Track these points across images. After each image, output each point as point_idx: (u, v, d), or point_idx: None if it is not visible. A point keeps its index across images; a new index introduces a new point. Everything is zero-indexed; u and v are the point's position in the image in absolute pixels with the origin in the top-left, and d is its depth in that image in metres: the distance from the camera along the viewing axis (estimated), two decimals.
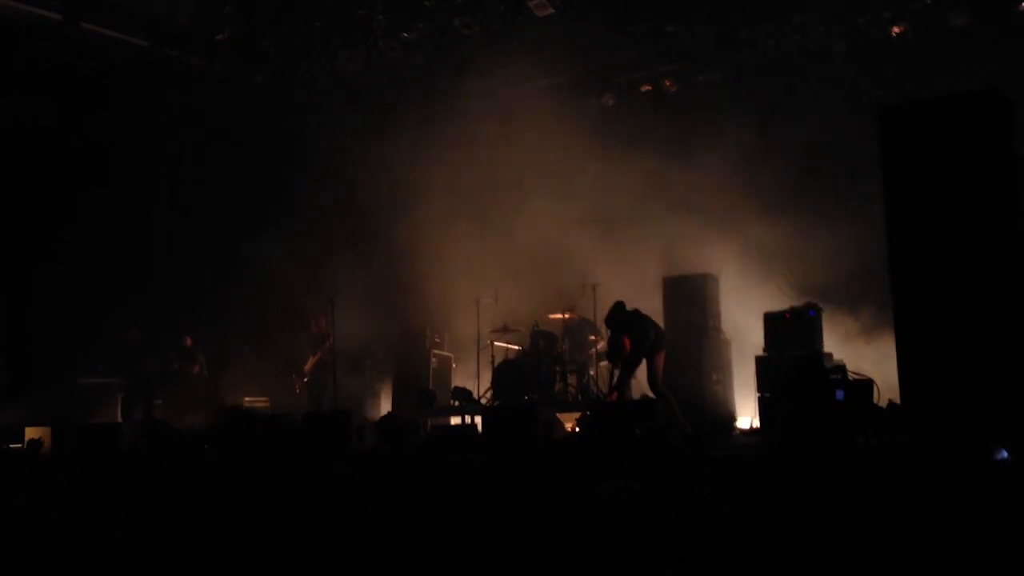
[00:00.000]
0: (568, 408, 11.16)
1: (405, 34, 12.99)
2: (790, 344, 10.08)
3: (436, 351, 13.43)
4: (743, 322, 11.50)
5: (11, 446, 10.52)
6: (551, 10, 11.95)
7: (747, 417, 11.02)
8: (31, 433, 10.26)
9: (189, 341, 13.43)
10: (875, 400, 7.25)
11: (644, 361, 9.99)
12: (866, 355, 10.66)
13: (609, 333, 10.19)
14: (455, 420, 12.30)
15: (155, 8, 13.71)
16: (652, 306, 11.49)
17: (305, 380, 13.45)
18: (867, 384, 7.46)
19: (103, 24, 13.30)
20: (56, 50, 13.28)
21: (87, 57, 13.58)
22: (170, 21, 13.89)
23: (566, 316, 12.47)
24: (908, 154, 7.20)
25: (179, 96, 14.50)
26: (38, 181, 13.79)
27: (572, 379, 12.08)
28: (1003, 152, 6.83)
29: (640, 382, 10.47)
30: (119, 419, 12.46)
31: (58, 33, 13.02)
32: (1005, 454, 4.91)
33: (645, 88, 14.16)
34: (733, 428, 10.79)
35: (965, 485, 4.51)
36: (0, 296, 13.57)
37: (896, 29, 12.14)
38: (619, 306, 10.08)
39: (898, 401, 7.15)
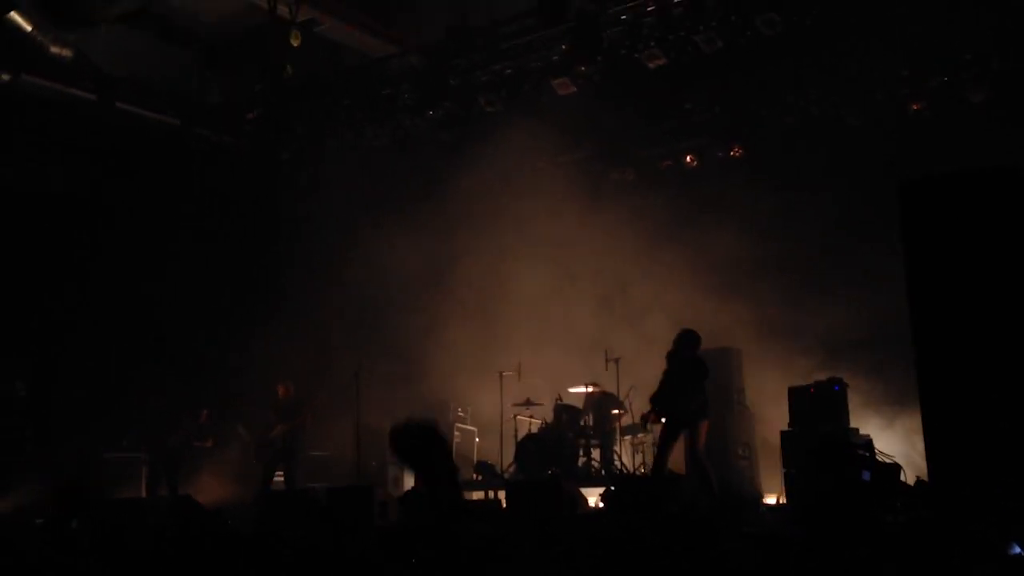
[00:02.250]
0: (592, 483, 11.11)
1: (431, 112, 13.24)
2: (815, 419, 10.02)
3: (460, 425, 13.43)
4: (767, 396, 11.47)
5: (36, 520, 10.52)
6: (573, 89, 12.17)
7: (773, 494, 10.91)
8: (56, 508, 10.24)
9: (204, 415, 13.44)
10: (902, 482, 7.19)
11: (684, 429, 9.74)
12: (894, 427, 10.61)
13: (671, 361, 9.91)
14: (478, 495, 12.23)
15: (187, 88, 14.13)
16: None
17: (273, 449, 12.26)
18: (894, 467, 7.42)
19: (136, 104, 13.69)
20: (90, 128, 13.65)
21: (120, 135, 13.94)
22: (202, 100, 14.31)
23: (589, 390, 12.47)
24: (929, 228, 7.26)
25: (207, 171, 14.82)
26: (66, 253, 14.05)
27: (596, 453, 12.03)
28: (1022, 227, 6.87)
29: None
30: (144, 494, 12.45)
31: (93, 112, 13.40)
32: (1018, 549, 4.83)
33: (665, 163, 14.33)
34: (760, 505, 10.67)
35: (991, 563, 4.47)
36: (24, 368, 13.70)
37: (915, 106, 12.27)
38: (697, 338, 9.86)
39: (925, 478, 7.09)
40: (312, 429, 12.43)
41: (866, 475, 6.60)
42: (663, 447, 9.70)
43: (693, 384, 9.58)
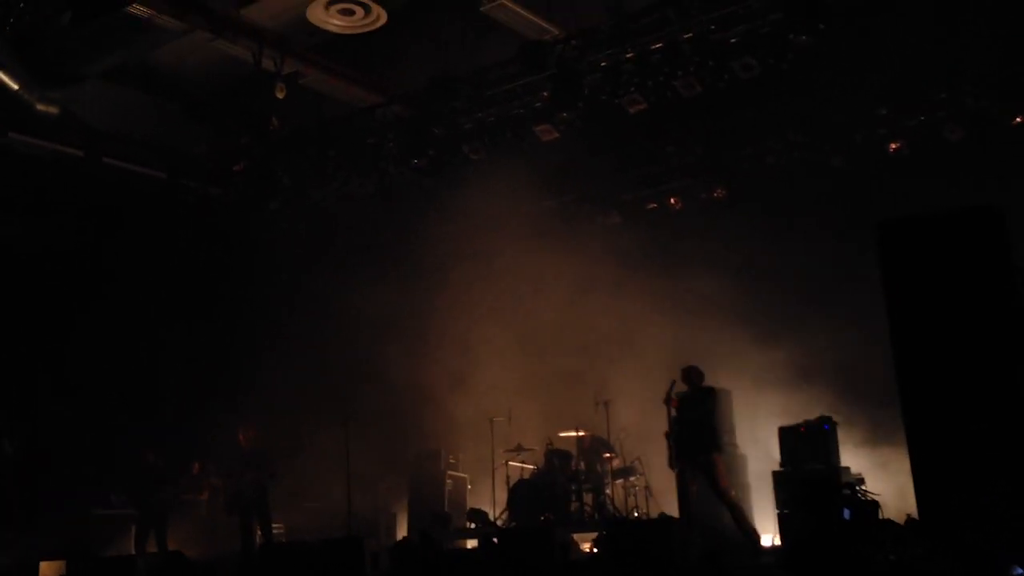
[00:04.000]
0: (584, 528, 11.07)
1: (415, 160, 13.34)
2: (806, 458, 10.06)
3: (451, 472, 13.39)
4: (757, 436, 11.49)
5: None
6: (556, 135, 12.30)
7: (768, 535, 10.87)
8: (46, 568, 10.16)
9: (197, 468, 13.34)
10: (880, 518, 7.22)
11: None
12: (886, 465, 10.62)
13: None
14: (472, 543, 12.17)
15: (174, 142, 14.22)
16: (666, 421, 11.51)
17: (243, 502, 11.75)
18: (872, 504, 7.48)
19: (123, 158, 13.76)
20: (77, 182, 13.71)
21: (108, 188, 14.00)
22: (188, 153, 14.39)
23: (580, 434, 12.46)
24: (908, 268, 7.35)
25: (195, 223, 14.87)
26: (53, 308, 14.04)
27: (588, 498, 11.99)
28: (1001, 266, 6.97)
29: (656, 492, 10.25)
30: (132, 551, 12.32)
31: (80, 167, 13.46)
32: (1020, 571, 4.87)
33: (650, 206, 14.45)
34: (756, 546, 10.63)
35: None
36: (11, 425, 13.62)
37: (893, 145, 12.45)
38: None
39: (915, 515, 7.10)
40: (273, 481, 11.91)
41: (847, 513, 6.64)
42: (685, 488, 9.72)
43: (708, 415, 9.65)
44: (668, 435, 10.07)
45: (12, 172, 13.02)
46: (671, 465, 10.06)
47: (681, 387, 10.09)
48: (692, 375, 10.10)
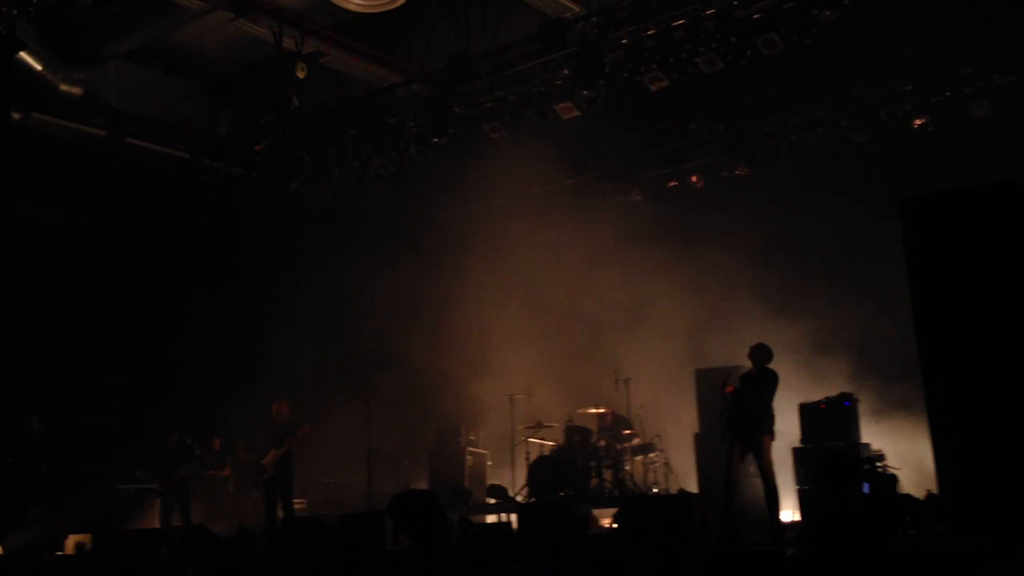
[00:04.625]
0: (604, 504, 11.12)
1: (436, 139, 13.33)
2: (826, 435, 10.05)
3: (471, 448, 13.45)
4: (779, 413, 11.45)
5: (57, 553, 10.59)
6: (577, 112, 12.26)
7: (788, 511, 10.86)
8: (72, 540, 10.33)
9: (217, 444, 13.48)
10: (898, 493, 7.22)
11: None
12: (905, 441, 10.58)
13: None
14: (491, 518, 12.25)
15: (196, 122, 14.30)
16: (686, 399, 11.54)
17: (266, 477, 11.84)
18: (891, 479, 7.47)
19: (146, 138, 13.86)
20: (101, 163, 13.84)
21: (131, 169, 14.12)
22: (210, 133, 14.48)
23: (599, 411, 12.49)
24: (932, 244, 7.31)
25: (218, 203, 14.97)
26: (80, 288, 14.22)
27: (608, 474, 12.03)
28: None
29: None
30: (158, 525, 12.50)
31: (103, 148, 13.58)
32: None
33: (671, 184, 14.40)
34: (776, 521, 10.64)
35: (999, 571, 4.48)
36: (39, 403, 13.82)
37: (918, 121, 12.33)
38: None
39: (936, 491, 7.09)
40: (300, 454, 11.99)
41: (866, 487, 6.65)
42: (733, 463, 9.65)
43: (767, 399, 9.58)
44: (722, 412, 9.94)
45: (36, 153, 13.14)
46: (723, 439, 9.95)
47: (736, 375, 9.94)
48: (759, 354, 9.86)
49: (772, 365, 9.74)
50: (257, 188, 14.61)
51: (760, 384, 9.65)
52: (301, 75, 12.06)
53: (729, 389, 9.69)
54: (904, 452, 9.85)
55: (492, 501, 12.30)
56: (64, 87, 12.18)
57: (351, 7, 11.15)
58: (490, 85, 12.67)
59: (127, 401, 13.85)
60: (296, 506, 12.66)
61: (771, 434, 9.60)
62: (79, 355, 14.13)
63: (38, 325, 13.53)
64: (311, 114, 13.44)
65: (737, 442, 9.59)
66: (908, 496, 7.57)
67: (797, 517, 10.16)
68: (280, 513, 11.82)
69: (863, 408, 10.53)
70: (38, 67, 11.80)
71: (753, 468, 9.80)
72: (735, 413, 9.56)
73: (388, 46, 13.25)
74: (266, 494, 11.92)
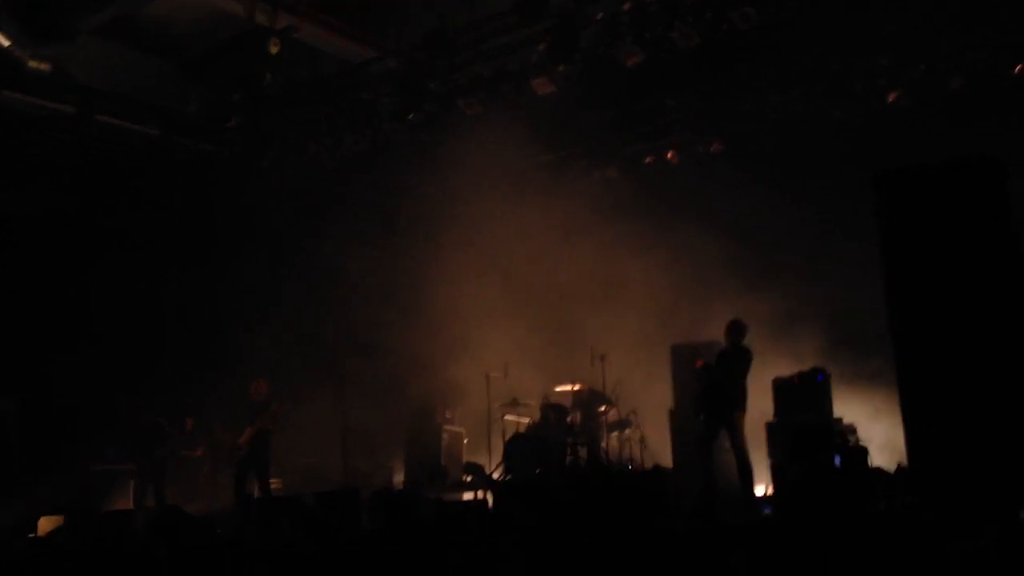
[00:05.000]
0: (580, 480, 11.12)
1: (410, 116, 13.22)
2: (799, 409, 10.09)
3: (447, 427, 13.44)
4: (752, 388, 11.49)
5: (29, 535, 10.49)
6: (552, 88, 12.17)
7: (761, 484, 10.93)
8: (45, 523, 10.23)
9: (190, 424, 13.40)
10: (869, 465, 7.29)
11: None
12: (879, 416, 10.65)
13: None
14: (468, 496, 12.25)
15: (166, 99, 14.11)
16: (661, 374, 11.56)
17: (240, 455, 11.71)
18: (861, 451, 7.53)
19: (115, 116, 13.67)
20: (70, 141, 13.64)
21: (100, 147, 13.93)
22: (181, 110, 14.29)
23: (576, 388, 12.49)
24: (905, 219, 7.32)
25: (189, 182, 14.81)
26: (52, 268, 14.04)
27: (583, 451, 12.04)
28: (1000, 216, 6.93)
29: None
30: (131, 506, 12.43)
31: (72, 125, 13.39)
32: None
33: (648, 160, 14.36)
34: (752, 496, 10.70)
35: (968, 546, 4.51)
36: (12, 383, 13.69)
37: (893, 95, 12.32)
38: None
39: (906, 464, 7.13)
40: (275, 433, 11.88)
41: (837, 460, 6.70)
42: (708, 441, 9.71)
43: (740, 376, 9.61)
44: (697, 389, 10.01)
45: (4, 131, 12.94)
46: (696, 415, 10.03)
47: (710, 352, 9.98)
48: (734, 331, 9.93)
49: (748, 341, 9.79)
50: (229, 166, 14.46)
51: (734, 361, 9.72)
52: (274, 50, 11.92)
53: (700, 364, 9.75)
54: (874, 425, 9.92)
55: (468, 479, 12.29)
56: (32, 63, 11.93)
57: None
58: (465, 60, 12.57)
59: (100, 382, 13.71)
60: (272, 485, 12.61)
61: (743, 410, 9.66)
62: (50, 336, 13.98)
63: (8, 305, 13.38)
64: (283, 90, 13.28)
65: (711, 418, 9.66)
66: (879, 469, 7.62)
67: (771, 491, 10.20)
68: (257, 493, 11.77)
69: (835, 382, 10.55)
70: (5, 42, 11.57)
71: (727, 444, 9.86)
72: (707, 389, 9.63)
73: (362, 21, 13.10)
74: (237, 472, 11.79)
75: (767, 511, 8.96)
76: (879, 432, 9.62)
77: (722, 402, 9.63)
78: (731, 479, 10.30)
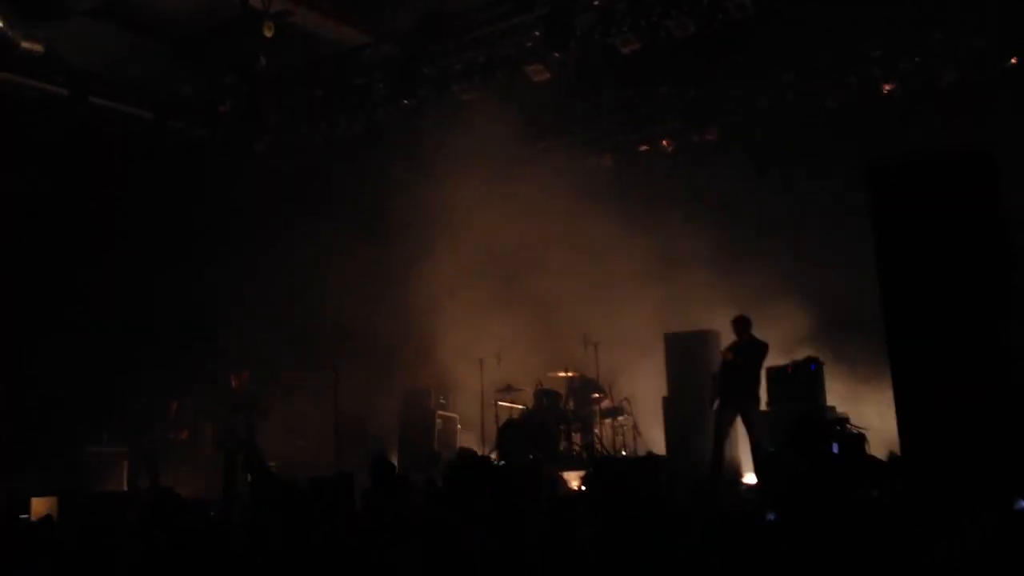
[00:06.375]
0: (573, 466, 11.20)
1: (405, 101, 13.20)
2: (792, 398, 10.16)
3: (441, 412, 13.49)
4: None
5: (21, 516, 10.49)
6: (548, 75, 12.17)
7: (751, 474, 11.02)
8: (38, 504, 10.24)
9: (175, 407, 13.39)
10: (866, 452, 7.35)
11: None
12: (870, 405, 10.73)
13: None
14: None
15: (159, 82, 14.04)
16: (654, 363, 11.61)
17: (228, 444, 11.98)
18: (859, 438, 7.58)
19: (108, 98, 13.59)
20: (63, 124, 13.56)
21: (93, 130, 13.85)
22: (174, 94, 14.22)
23: (569, 374, 12.55)
24: (898, 212, 7.37)
25: (183, 165, 14.74)
26: (44, 251, 13.96)
27: (577, 437, 12.12)
28: (990, 210, 6.99)
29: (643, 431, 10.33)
30: (125, 488, 12.44)
31: (65, 108, 13.31)
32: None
33: (643, 148, 14.38)
34: (740, 484, 10.80)
35: (960, 534, 4.57)
36: (5, 366, 13.64)
37: (887, 86, 12.38)
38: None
39: (899, 452, 7.21)
40: (265, 420, 12.06)
41: (835, 448, 6.76)
42: (723, 428, 9.85)
43: (758, 367, 9.77)
44: (715, 376, 10.18)
45: None
46: (711, 404, 10.17)
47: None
48: (742, 325, 10.11)
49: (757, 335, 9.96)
50: (221, 151, 14.40)
51: (751, 351, 9.85)
52: (268, 34, 11.85)
53: (729, 356, 9.89)
54: (866, 413, 10.00)
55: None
56: (26, 44, 11.86)
57: None
58: (460, 46, 12.55)
59: (93, 365, 13.66)
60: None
61: (758, 400, 9.82)
62: (42, 319, 13.92)
63: None
64: (277, 74, 13.24)
65: (727, 405, 9.80)
66: (871, 457, 7.67)
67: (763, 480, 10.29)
68: (248, 478, 11.80)
69: (826, 370, 10.64)
70: None
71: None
72: (726, 377, 9.76)
73: (357, 6, 13.04)
74: (227, 458, 11.90)
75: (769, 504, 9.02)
76: (871, 423, 9.69)
77: (739, 393, 9.78)
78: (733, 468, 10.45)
